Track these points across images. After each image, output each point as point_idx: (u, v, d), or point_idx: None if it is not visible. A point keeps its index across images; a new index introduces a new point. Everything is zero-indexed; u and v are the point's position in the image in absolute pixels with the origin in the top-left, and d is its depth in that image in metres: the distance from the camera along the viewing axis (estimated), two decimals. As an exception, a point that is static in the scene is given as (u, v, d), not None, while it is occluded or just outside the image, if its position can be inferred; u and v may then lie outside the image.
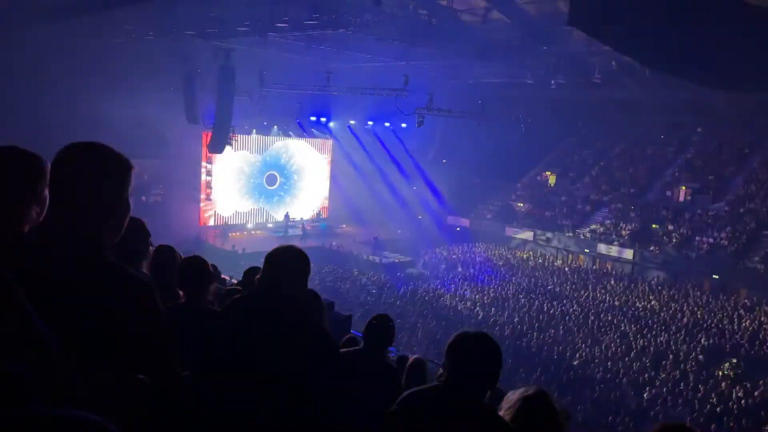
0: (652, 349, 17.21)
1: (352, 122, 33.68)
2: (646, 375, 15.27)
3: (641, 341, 17.82)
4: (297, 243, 2.57)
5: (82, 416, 0.66)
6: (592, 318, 19.97)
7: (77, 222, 1.47)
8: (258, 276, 2.44)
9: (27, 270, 1.31)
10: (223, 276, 7.14)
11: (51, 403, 0.91)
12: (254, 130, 30.78)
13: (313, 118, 32.15)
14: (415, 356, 4.39)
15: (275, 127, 31.74)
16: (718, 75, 13.36)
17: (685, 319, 20.09)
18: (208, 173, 29.25)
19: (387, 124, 33.46)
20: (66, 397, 1.09)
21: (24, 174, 1.55)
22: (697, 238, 26.71)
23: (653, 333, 18.66)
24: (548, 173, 36.13)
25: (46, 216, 1.54)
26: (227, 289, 4.74)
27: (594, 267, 27.91)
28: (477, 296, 22.35)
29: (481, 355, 2.14)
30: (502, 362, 2.20)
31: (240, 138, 28.86)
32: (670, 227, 28.03)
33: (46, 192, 1.54)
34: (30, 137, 2.26)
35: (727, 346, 17.71)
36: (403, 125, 33.67)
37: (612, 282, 25.24)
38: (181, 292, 3.05)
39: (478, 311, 20.27)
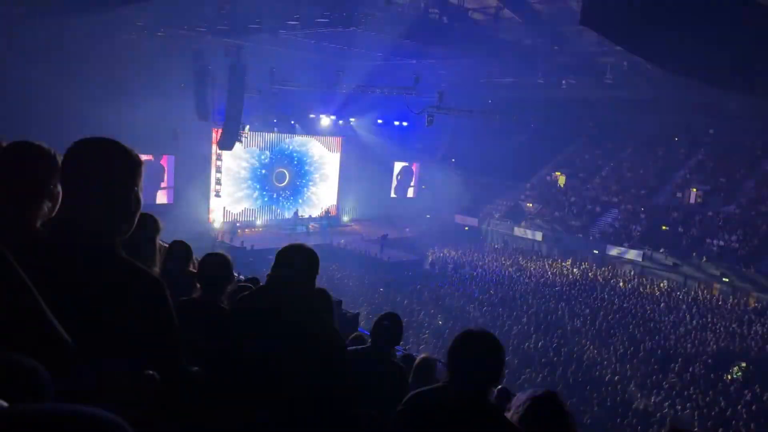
0: (660, 351, 17.11)
1: (362, 120, 33.66)
2: (654, 377, 15.19)
3: (649, 343, 17.72)
4: (305, 241, 2.56)
5: (95, 413, 0.66)
6: (600, 319, 19.88)
7: (89, 217, 1.47)
8: (268, 273, 2.44)
9: (39, 265, 1.31)
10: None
11: (62, 399, 0.91)
12: (264, 127, 30.84)
13: (323, 116, 32.20)
14: (423, 355, 4.37)
15: (286, 123, 31.78)
16: (731, 76, 13.24)
17: (694, 322, 19.97)
18: (218, 170, 29.37)
19: (391, 123, 33.49)
20: (77, 392, 1.09)
21: (37, 169, 1.56)
22: (707, 240, 26.51)
23: (662, 335, 18.55)
24: (558, 173, 35.97)
25: (59, 211, 1.55)
26: (237, 285, 4.75)
27: (602, 268, 27.76)
28: (484, 296, 22.30)
29: (483, 355, 2.11)
30: (504, 361, 2.17)
31: (250, 135, 28.93)
32: (680, 229, 27.84)
33: (59, 187, 1.55)
34: (40, 133, 2.26)
35: (737, 349, 17.59)
36: (394, 121, 33.68)
37: (620, 283, 25.12)
38: (198, 285, 3.07)
39: (485, 311, 20.23)
